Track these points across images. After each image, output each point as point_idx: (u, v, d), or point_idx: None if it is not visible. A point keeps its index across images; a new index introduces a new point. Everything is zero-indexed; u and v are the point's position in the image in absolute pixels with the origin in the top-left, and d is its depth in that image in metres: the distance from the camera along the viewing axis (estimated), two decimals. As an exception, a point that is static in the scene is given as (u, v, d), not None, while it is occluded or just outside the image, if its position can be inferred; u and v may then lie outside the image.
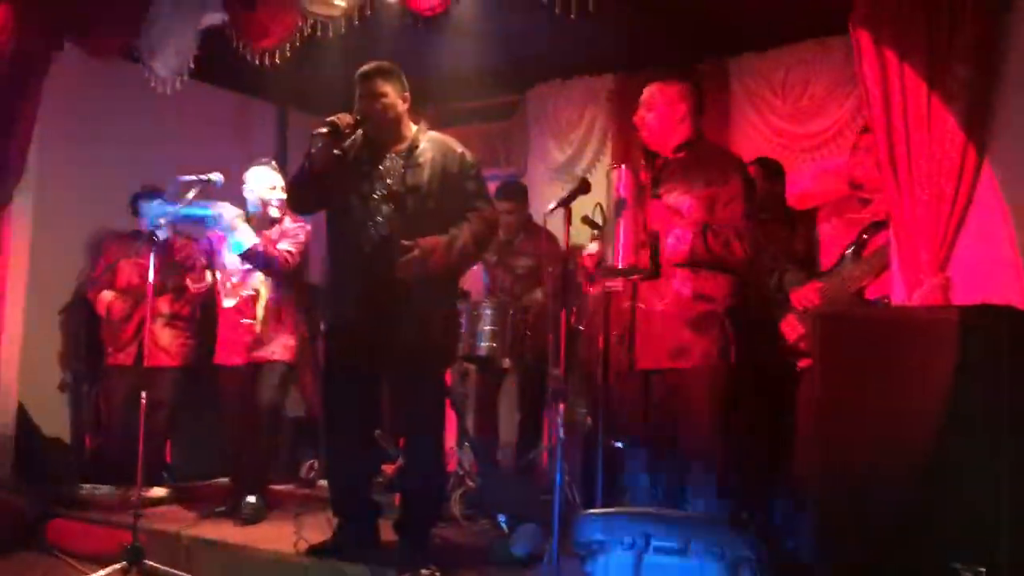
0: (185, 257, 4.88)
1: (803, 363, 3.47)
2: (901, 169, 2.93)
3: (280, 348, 4.44)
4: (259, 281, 4.44)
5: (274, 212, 4.48)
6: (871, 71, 3.01)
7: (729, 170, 3.27)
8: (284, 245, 4.39)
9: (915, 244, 2.91)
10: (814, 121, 5.15)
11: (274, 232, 4.47)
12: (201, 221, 4.41)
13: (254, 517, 4.25)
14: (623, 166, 3.22)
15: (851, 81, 4.82)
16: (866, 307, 3.36)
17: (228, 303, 4.49)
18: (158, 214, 4.50)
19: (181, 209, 4.18)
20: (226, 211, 4.30)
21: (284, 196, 4.37)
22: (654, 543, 2.49)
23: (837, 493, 2.48)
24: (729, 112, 5.43)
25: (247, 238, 4.28)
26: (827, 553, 2.50)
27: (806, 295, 3.53)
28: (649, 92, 3.33)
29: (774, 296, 3.68)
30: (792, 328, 3.56)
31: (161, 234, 4.06)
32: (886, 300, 3.32)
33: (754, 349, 3.37)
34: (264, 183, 4.46)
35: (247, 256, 4.29)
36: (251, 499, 4.30)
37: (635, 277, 3.26)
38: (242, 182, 4.53)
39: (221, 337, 4.51)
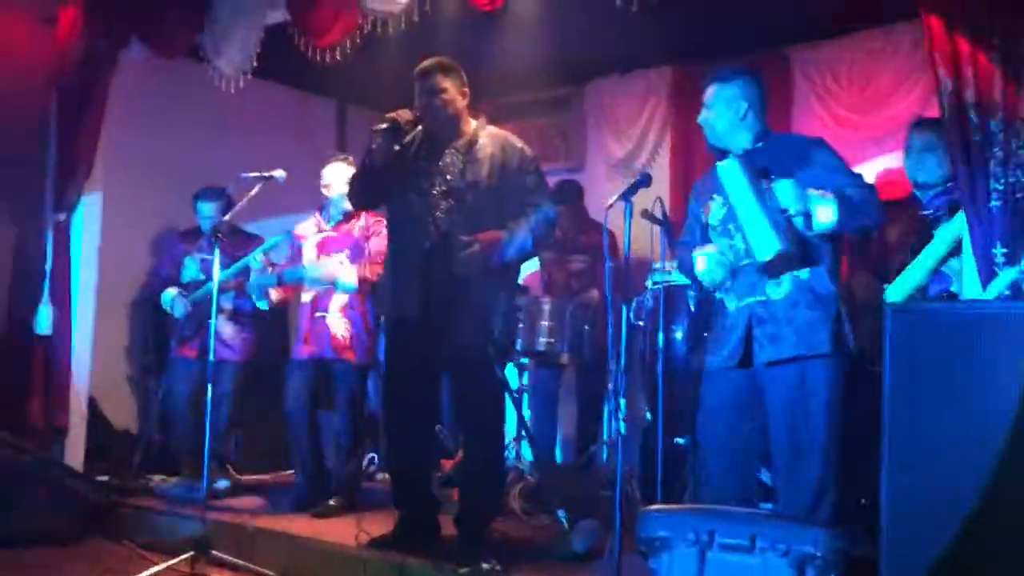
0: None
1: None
2: (975, 159, 2.85)
3: (359, 348, 4.44)
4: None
5: (349, 206, 4.51)
6: (943, 58, 2.93)
7: (811, 148, 3.18)
8: (374, 243, 4.41)
9: (990, 237, 2.83)
10: (880, 111, 5.04)
11: (355, 228, 4.50)
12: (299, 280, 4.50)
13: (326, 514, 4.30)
14: (728, 160, 3.09)
15: (918, 69, 4.73)
16: (938, 300, 3.27)
17: (305, 296, 4.55)
18: (261, 283, 4.60)
19: (285, 274, 4.47)
20: (320, 268, 4.40)
21: None
22: (719, 539, 2.45)
23: (905, 491, 2.42)
24: (791, 103, 5.34)
25: (349, 279, 4.35)
26: (894, 553, 2.44)
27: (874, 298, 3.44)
28: (710, 91, 3.24)
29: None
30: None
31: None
32: (947, 294, 3.24)
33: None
34: (342, 178, 4.51)
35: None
36: (332, 502, 4.34)
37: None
38: (311, 178, 4.57)
39: (301, 329, 4.55)
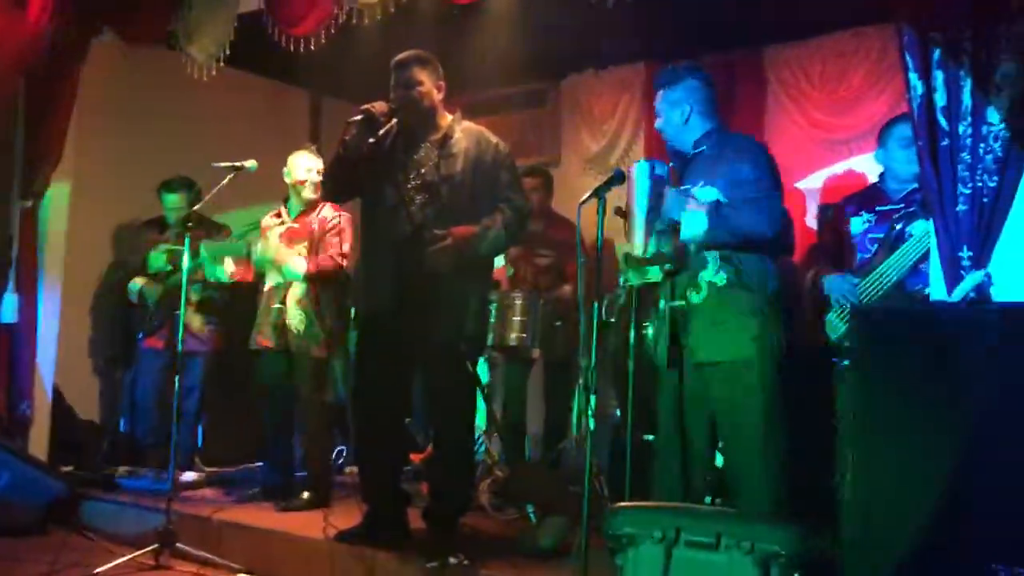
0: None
1: (845, 361, 3.40)
2: (943, 163, 2.88)
3: (313, 340, 4.42)
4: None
5: (310, 194, 4.49)
6: (913, 62, 2.96)
7: (744, 151, 3.24)
8: (334, 249, 4.42)
9: (956, 240, 2.86)
10: (852, 113, 5.09)
11: (313, 220, 4.48)
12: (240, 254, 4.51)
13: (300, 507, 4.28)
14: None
15: (889, 72, 4.78)
16: (906, 301, 3.30)
17: (265, 286, 4.53)
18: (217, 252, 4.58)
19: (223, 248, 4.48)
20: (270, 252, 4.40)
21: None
22: (684, 537, 2.47)
23: (870, 490, 2.44)
24: (765, 103, 5.38)
25: (297, 266, 4.35)
26: (858, 551, 2.47)
27: (844, 292, 3.48)
28: (658, 96, 3.35)
29: (811, 295, 3.63)
30: (832, 327, 3.51)
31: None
32: (923, 293, 3.27)
33: (796, 338, 3.33)
34: (304, 168, 4.48)
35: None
36: (306, 495, 4.32)
37: (663, 268, 3.24)
38: (276, 168, 4.55)
39: (259, 320, 4.53)
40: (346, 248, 4.46)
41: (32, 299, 4.94)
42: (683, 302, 3.20)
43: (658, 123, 3.39)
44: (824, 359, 3.50)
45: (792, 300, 3.56)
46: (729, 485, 3.23)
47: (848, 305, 3.43)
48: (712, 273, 3.16)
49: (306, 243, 4.44)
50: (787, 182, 4.98)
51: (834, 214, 3.76)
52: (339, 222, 4.48)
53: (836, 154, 5.10)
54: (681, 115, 3.28)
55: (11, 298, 4.88)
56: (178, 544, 3.78)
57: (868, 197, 3.66)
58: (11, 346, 4.87)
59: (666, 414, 3.28)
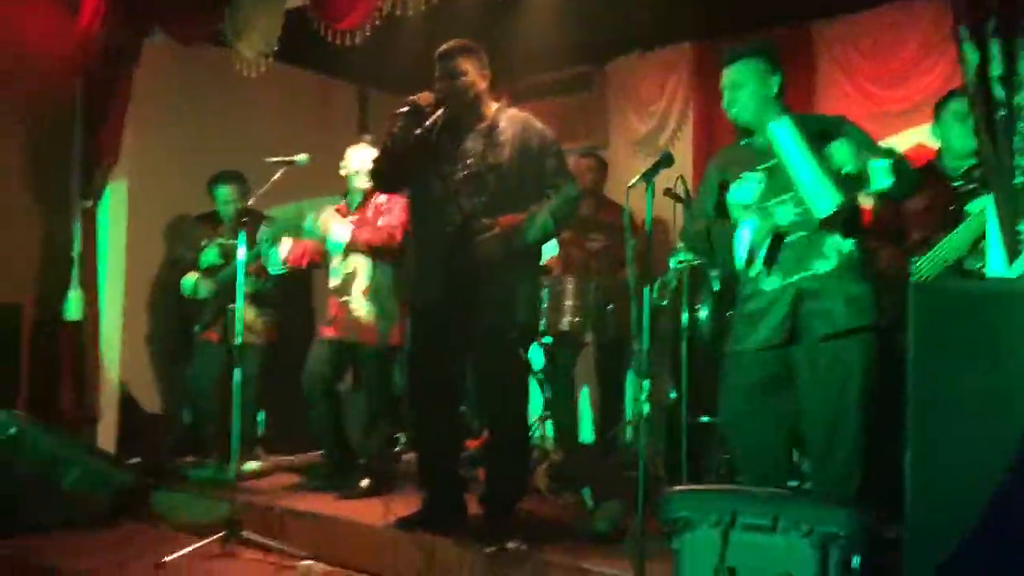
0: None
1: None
2: (999, 135, 2.81)
3: (381, 330, 4.47)
4: (358, 261, 4.49)
5: (365, 184, 4.52)
6: (967, 31, 2.89)
7: (839, 124, 3.09)
8: (382, 221, 4.44)
9: (1014, 214, 2.79)
10: (905, 84, 4.99)
11: (369, 209, 4.53)
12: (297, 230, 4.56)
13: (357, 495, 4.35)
14: (779, 120, 3.01)
15: (943, 41, 4.66)
16: (964, 278, 3.24)
17: (331, 282, 4.59)
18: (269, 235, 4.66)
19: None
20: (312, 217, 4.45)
21: None
22: (741, 520, 2.46)
23: (930, 471, 2.41)
24: (815, 79, 5.29)
25: (339, 234, 4.39)
26: (919, 534, 2.44)
27: (901, 271, 3.41)
28: (736, 69, 3.12)
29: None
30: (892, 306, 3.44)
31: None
32: (982, 271, 3.20)
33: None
34: (358, 157, 4.53)
35: (351, 248, 4.41)
36: (365, 483, 4.38)
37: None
38: (332, 162, 4.60)
39: (326, 315, 4.59)
40: (396, 222, 4.42)
41: (94, 296, 5.08)
42: (807, 273, 2.99)
43: (739, 96, 3.11)
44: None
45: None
46: (814, 465, 3.10)
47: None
48: (839, 239, 3.00)
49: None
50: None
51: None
52: (390, 205, 4.48)
53: (889, 127, 4.99)
54: (771, 88, 3.09)
55: (75, 295, 5.02)
56: (243, 532, 3.86)
57: (926, 173, 3.58)
58: (76, 343, 5.01)
59: (750, 395, 3.08)
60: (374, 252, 4.43)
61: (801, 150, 2.94)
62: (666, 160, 3.09)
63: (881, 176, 2.85)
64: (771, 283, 3.06)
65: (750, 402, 3.08)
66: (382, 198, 4.52)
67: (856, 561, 2.35)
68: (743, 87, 3.11)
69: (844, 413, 2.93)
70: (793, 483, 3.44)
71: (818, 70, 5.29)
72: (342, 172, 4.57)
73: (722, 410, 3.28)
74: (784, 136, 2.98)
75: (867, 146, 2.99)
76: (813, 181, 2.91)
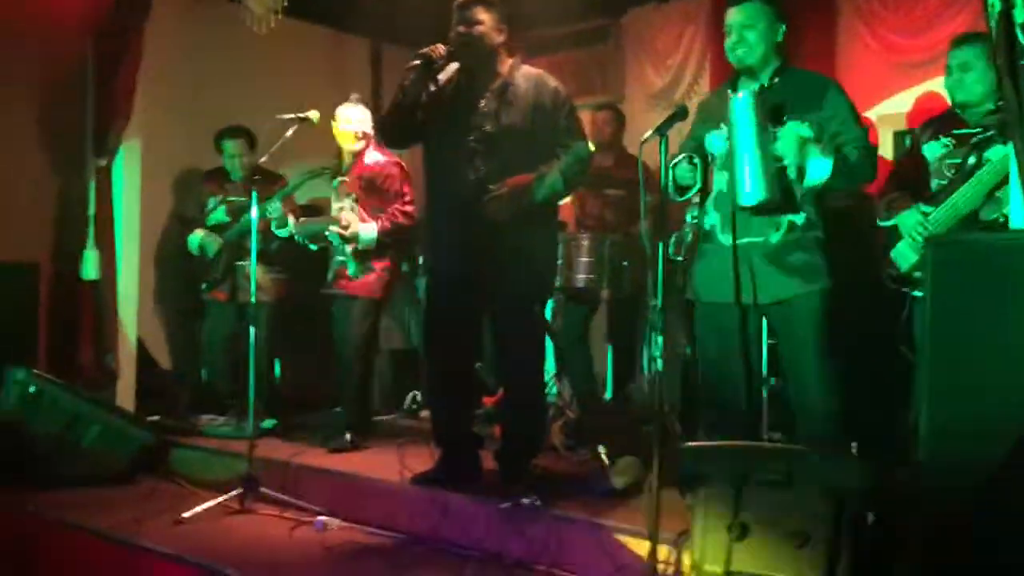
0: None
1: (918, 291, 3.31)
2: (1023, 81, 2.74)
3: (362, 283, 4.49)
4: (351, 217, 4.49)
5: (351, 145, 4.53)
6: (991, -22, 2.81)
7: (826, 90, 3.11)
8: (397, 204, 4.47)
9: (1038, 163, 2.74)
10: (927, 33, 4.88)
11: (362, 169, 4.50)
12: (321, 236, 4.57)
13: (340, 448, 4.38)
14: (743, 92, 3.02)
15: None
16: (983, 230, 3.19)
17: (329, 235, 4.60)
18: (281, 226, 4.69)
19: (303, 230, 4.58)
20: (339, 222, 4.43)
21: (363, 129, 4.49)
22: (756, 475, 2.45)
23: (947, 421, 2.38)
24: (835, 28, 5.18)
25: (368, 233, 4.38)
26: (934, 485, 2.42)
27: (917, 221, 3.37)
28: (744, 11, 3.10)
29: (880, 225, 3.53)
30: (903, 257, 3.41)
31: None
32: (1002, 221, 3.15)
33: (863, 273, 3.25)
34: (343, 116, 4.53)
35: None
36: (348, 436, 4.42)
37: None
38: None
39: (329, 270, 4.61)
40: (408, 197, 4.47)
41: (111, 255, 5.09)
42: (758, 239, 3.08)
43: (746, 39, 3.09)
44: (895, 289, 3.42)
45: (860, 231, 3.46)
46: (796, 421, 3.18)
47: (919, 236, 3.32)
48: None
49: (353, 196, 4.48)
50: (862, 108, 4.85)
51: (912, 140, 3.63)
52: (388, 171, 4.49)
53: (911, 78, 4.90)
54: (775, 35, 3.10)
55: (92, 255, 5.03)
56: (261, 488, 3.89)
57: (946, 121, 3.50)
58: (94, 301, 5.03)
59: (724, 349, 3.19)
60: (394, 234, 4.45)
61: (748, 134, 2.95)
62: (681, 113, 3.04)
63: (819, 170, 2.92)
64: (725, 240, 3.14)
65: (719, 345, 3.19)
66: (375, 156, 4.49)
67: (871, 516, 2.33)
68: (753, 28, 3.10)
69: (806, 367, 3.04)
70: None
71: (838, 20, 5.18)
72: (335, 131, 4.54)
73: (700, 358, 3.38)
74: (740, 113, 2.98)
75: (844, 120, 3.04)
76: (747, 169, 2.96)
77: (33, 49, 4.93)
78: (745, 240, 3.10)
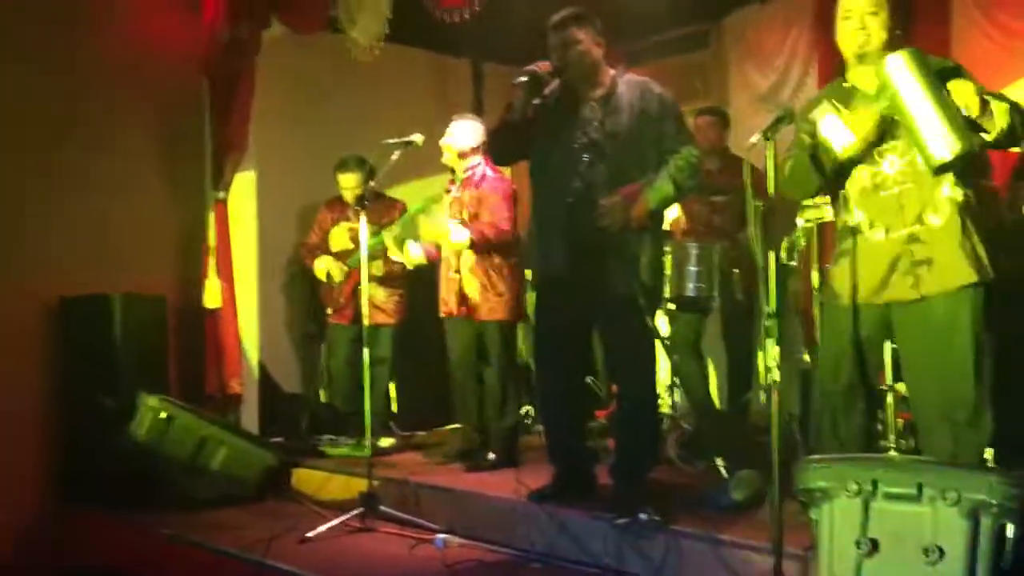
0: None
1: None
2: None
3: (494, 305, 4.48)
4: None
5: (455, 161, 4.56)
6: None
7: (949, 71, 2.88)
8: (495, 215, 4.41)
9: None
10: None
11: (471, 186, 4.52)
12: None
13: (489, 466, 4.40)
14: (898, 54, 2.77)
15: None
16: None
17: (444, 254, 4.64)
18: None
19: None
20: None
21: (461, 142, 4.50)
22: (883, 489, 2.35)
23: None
24: (949, 15, 4.97)
25: (459, 237, 4.37)
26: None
27: None
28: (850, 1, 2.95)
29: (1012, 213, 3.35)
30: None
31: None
32: None
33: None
34: (449, 133, 4.56)
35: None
36: (491, 456, 4.42)
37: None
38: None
39: (442, 289, 4.62)
40: (506, 214, 4.43)
41: (231, 284, 5.28)
42: (917, 227, 2.84)
43: (873, 23, 2.90)
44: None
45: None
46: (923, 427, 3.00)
47: None
48: (950, 189, 2.83)
49: (467, 211, 4.50)
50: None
51: None
52: (494, 187, 4.47)
53: (1031, 65, 4.66)
54: (884, 25, 2.89)
55: (213, 284, 5.23)
56: (381, 507, 3.96)
57: None
58: (217, 329, 5.23)
59: (847, 353, 2.97)
60: (491, 248, 4.42)
61: (917, 90, 2.71)
62: (788, 116, 2.95)
63: (1001, 119, 2.67)
64: (875, 235, 2.91)
65: (844, 355, 2.95)
66: (484, 172, 4.49)
67: (1011, 530, 2.20)
68: (877, 15, 2.92)
69: (952, 369, 2.78)
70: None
71: (952, 6, 4.97)
72: (444, 151, 4.56)
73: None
74: (898, 73, 2.75)
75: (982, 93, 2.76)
76: (930, 124, 2.69)
77: (151, 87, 5.17)
78: (901, 230, 2.87)
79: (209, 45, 5.17)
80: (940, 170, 2.73)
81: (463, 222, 4.43)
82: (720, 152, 5.07)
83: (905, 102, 2.73)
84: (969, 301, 2.79)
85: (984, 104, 2.67)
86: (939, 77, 2.74)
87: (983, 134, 2.70)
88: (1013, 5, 4.77)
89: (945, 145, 2.66)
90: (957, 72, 2.83)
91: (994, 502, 2.20)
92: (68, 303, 4.84)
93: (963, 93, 2.68)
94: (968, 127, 2.67)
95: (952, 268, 2.79)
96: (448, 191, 4.63)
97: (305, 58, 5.55)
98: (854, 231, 2.96)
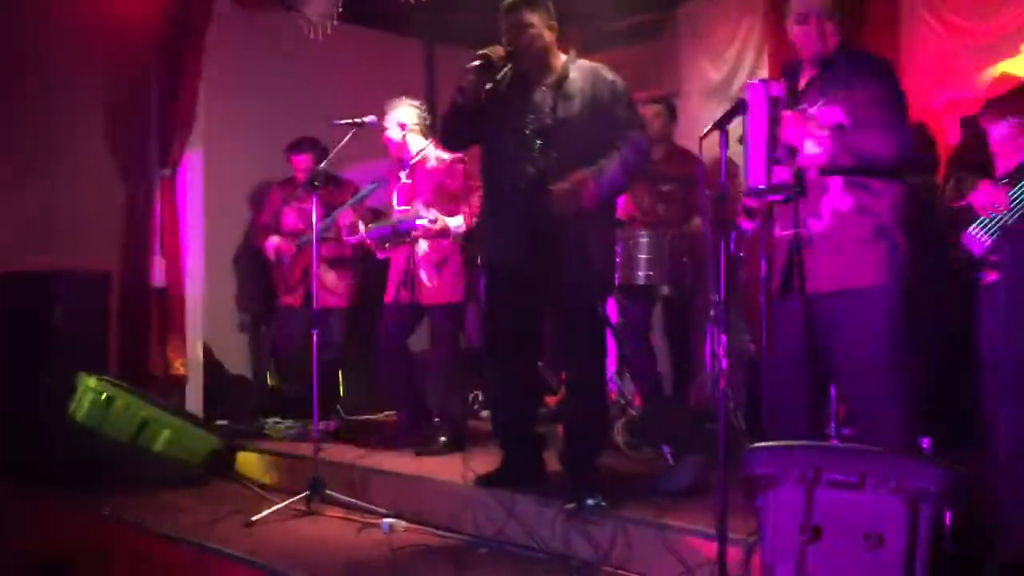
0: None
1: (990, 277, 3.21)
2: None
3: (436, 289, 4.48)
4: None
5: (401, 145, 4.55)
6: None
7: (868, 69, 3.05)
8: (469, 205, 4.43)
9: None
10: (994, 17, 4.73)
11: (424, 170, 4.50)
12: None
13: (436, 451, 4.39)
14: (755, 80, 3.06)
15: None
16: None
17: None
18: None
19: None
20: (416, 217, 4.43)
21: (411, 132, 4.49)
22: (826, 476, 2.39)
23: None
24: (899, 15, 5.04)
25: (459, 225, 4.39)
26: (1016, 483, 2.34)
27: (992, 202, 3.25)
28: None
29: (949, 208, 3.42)
30: (975, 242, 3.30)
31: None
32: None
33: (929, 263, 3.16)
34: (390, 119, 4.54)
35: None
36: (442, 439, 4.42)
37: (777, 197, 3.07)
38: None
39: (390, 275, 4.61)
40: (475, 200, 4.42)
41: (176, 263, 5.19)
42: (800, 229, 3.03)
43: (794, 27, 3.13)
44: (966, 275, 3.31)
45: (927, 219, 3.37)
46: (856, 422, 3.11)
47: (994, 216, 3.20)
48: (836, 199, 3.01)
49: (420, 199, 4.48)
50: (929, 95, 4.71)
51: (975, 121, 3.51)
52: (454, 167, 4.47)
53: (980, 62, 4.76)
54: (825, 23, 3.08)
55: (158, 262, 5.14)
56: (327, 491, 3.94)
57: (1013, 99, 3.39)
58: (162, 308, 5.14)
59: (782, 346, 3.12)
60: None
61: (755, 120, 2.95)
62: (740, 107, 2.99)
63: (812, 148, 2.92)
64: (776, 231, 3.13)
65: (779, 345, 3.09)
66: (436, 154, 4.48)
67: (948, 517, 2.26)
68: (831, 18, 3.07)
69: (874, 368, 2.94)
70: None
71: (903, 6, 5.04)
72: (388, 133, 4.54)
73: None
74: (750, 101, 2.97)
75: (882, 105, 2.99)
76: (751, 155, 2.97)
77: (97, 63, 5.06)
78: (791, 230, 3.06)
79: (156, 20, 5.06)
80: (754, 194, 3.05)
81: (411, 205, 4.42)
82: (666, 142, 5.09)
83: (746, 127, 2.98)
84: (859, 302, 2.95)
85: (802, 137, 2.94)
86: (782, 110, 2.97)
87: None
88: (962, 5, 4.86)
89: (754, 178, 2.98)
90: (864, 76, 3.03)
91: (933, 490, 2.26)
92: (6, 279, 4.72)
93: (789, 128, 2.94)
94: (785, 161, 2.97)
95: (830, 273, 3.00)
96: (399, 177, 4.61)
97: (255, 35, 5.46)
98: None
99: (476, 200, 4.40)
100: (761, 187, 2.98)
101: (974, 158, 3.43)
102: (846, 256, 3.00)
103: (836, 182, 3.01)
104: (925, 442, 3.30)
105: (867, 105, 2.97)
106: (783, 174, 2.99)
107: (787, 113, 2.96)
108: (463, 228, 4.43)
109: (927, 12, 4.97)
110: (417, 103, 4.61)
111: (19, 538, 4.27)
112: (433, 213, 4.39)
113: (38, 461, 4.44)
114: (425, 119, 4.59)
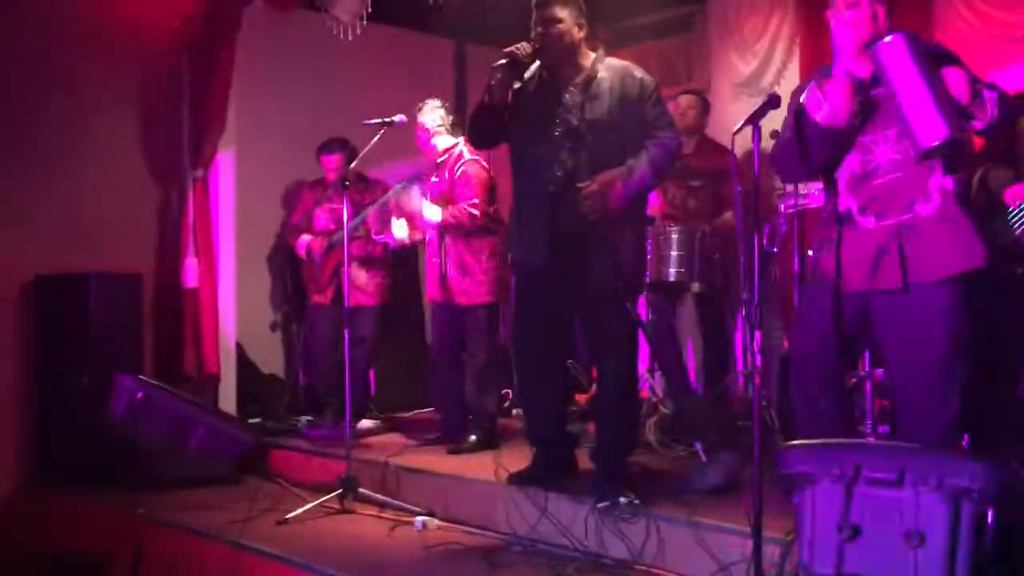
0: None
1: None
2: None
3: (467, 291, 4.48)
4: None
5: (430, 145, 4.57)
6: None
7: (942, 56, 2.91)
8: (465, 200, 4.42)
9: None
10: (1024, 6, 4.66)
11: (445, 170, 4.51)
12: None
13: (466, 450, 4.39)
14: (890, 36, 2.71)
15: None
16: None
17: (428, 237, 4.62)
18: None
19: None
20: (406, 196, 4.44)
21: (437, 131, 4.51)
22: (865, 474, 2.36)
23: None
24: (932, 2, 4.98)
25: (431, 215, 4.39)
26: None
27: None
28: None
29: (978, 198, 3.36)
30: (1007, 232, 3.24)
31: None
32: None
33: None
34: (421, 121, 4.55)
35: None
36: (473, 438, 4.42)
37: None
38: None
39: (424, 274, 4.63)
40: (476, 198, 4.41)
41: (210, 263, 5.23)
42: (907, 214, 2.81)
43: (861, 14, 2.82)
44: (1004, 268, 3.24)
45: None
46: (905, 413, 3.01)
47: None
48: (940, 177, 2.81)
49: (442, 195, 4.50)
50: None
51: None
52: (465, 170, 4.46)
53: (1013, 52, 4.68)
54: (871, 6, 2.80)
55: (191, 263, 5.18)
56: (360, 489, 3.95)
57: None
58: (195, 308, 5.18)
59: (829, 338, 2.94)
60: (465, 232, 4.43)
61: (909, 73, 2.66)
62: (773, 102, 2.94)
63: (989, 109, 2.66)
64: (866, 223, 2.90)
65: (822, 336, 2.93)
66: (459, 155, 4.48)
67: (991, 516, 2.22)
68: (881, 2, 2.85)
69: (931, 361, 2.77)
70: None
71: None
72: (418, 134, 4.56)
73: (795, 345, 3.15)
74: (892, 56, 2.69)
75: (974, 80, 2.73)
76: (919, 109, 2.64)
77: (129, 65, 5.11)
78: (892, 218, 2.85)
79: (187, 22, 5.10)
80: (926, 155, 2.71)
81: (442, 205, 4.42)
82: (698, 135, 5.05)
83: (896, 85, 2.69)
84: (952, 292, 2.78)
85: (975, 92, 2.65)
86: (932, 62, 2.70)
87: (974, 122, 2.69)
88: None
89: (931, 130, 2.62)
90: (950, 59, 2.81)
91: (975, 488, 2.21)
92: (43, 281, 4.78)
93: (955, 80, 2.65)
94: (958, 114, 2.64)
95: (941, 258, 2.77)
96: (431, 175, 4.62)
97: (286, 36, 5.48)
98: (842, 218, 2.95)
99: (467, 206, 4.40)
100: (947, 137, 2.59)
101: (1004, 144, 3.36)
102: (958, 238, 2.78)
103: (937, 160, 2.80)
104: (964, 439, 3.25)
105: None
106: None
107: (950, 69, 2.68)
108: (436, 221, 4.40)
109: (960, 2, 4.90)
110: (441, 103, 4.61)
111: (55, 536, 4.34)
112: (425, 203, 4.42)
113: (74, 460, 4.49)
114: (451, 119, 4.59)
